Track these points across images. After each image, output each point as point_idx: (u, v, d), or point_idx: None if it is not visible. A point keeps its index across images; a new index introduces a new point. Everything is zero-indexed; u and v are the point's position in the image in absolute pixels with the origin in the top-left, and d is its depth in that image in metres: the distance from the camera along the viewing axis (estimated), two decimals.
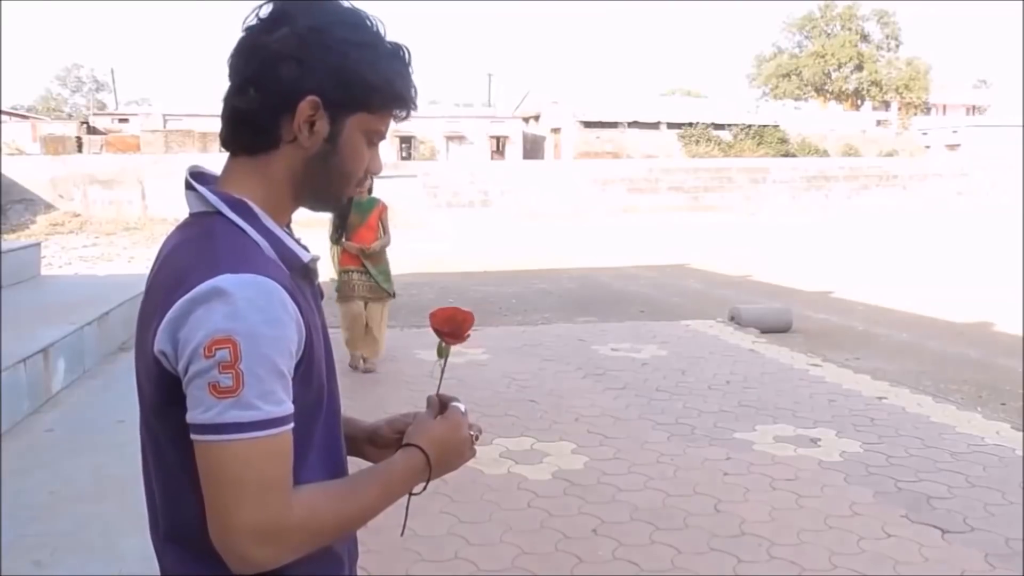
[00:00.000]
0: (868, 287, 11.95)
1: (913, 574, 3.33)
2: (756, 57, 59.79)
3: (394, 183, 27.97)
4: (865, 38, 55.97)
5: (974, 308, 10.20)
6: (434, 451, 1.13)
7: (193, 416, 0.96)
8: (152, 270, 1.10)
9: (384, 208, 6.57)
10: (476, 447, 1.21)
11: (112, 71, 69.01)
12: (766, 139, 38.87)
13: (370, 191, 6.38)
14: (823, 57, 55.05)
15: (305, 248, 1.13)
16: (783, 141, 39.30)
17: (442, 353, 1.25)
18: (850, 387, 6.19)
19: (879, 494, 4.12)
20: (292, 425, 0.98)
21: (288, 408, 0.97)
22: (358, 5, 1.11)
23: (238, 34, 1.07)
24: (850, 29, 55.34)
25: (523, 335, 8.09)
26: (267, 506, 0.96)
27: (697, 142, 38.30)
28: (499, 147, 40.17)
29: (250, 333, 0.94)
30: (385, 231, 6.52)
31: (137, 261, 15.53)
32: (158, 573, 1.12)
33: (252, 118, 1.06)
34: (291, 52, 1.03)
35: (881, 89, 54.79)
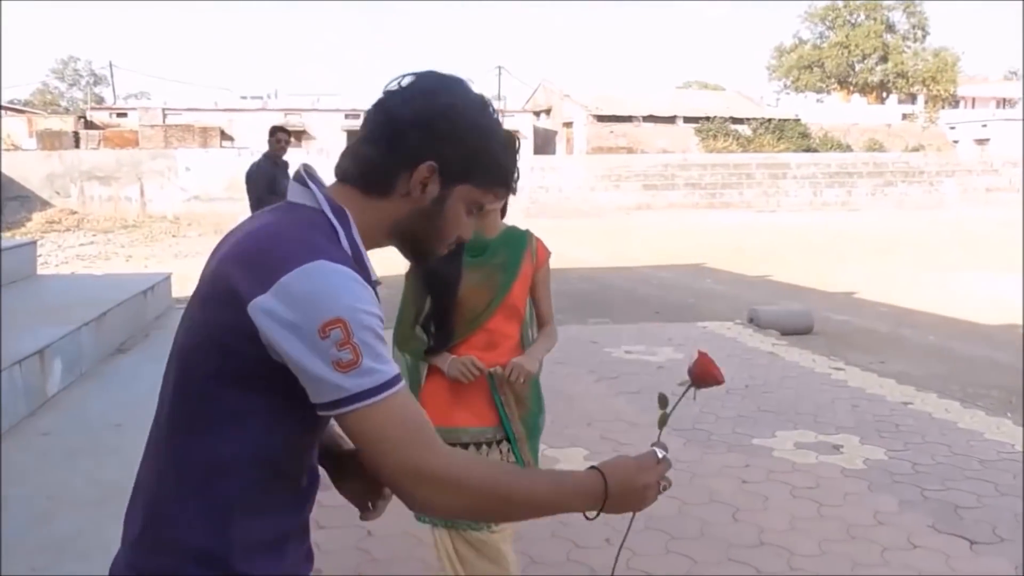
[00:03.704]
0: (893, 287, 11.90)
1: None
2: (776, 48, 59.70)
3: None
4: (890, 28, 55.76)
5: (1004, 310, 10.15)
6: (615, 483, 1.23)
7: (322, 394, 1.10)
8: (232, 239, 1.23)
9: (544, 259, 2.77)
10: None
11: (110, 64, 69.40)
12: (786, 133, 38.73)
13: (505, 208, 2.67)
14: (846, 48, 54.86)
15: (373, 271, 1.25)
16: (804, 136, 39.16)
17: (664, 405, 1.46)
18: (874, 391, 6.17)
19: (904, 503, 4.11)
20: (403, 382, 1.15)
21: (395, 367, 1.14)
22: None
23: (380, 94, 1.29)
24: (875, 19, 55.13)
25: None
26: (427, 446, 1.14)
27: (715, 137, 38.21)
28: None
29: (353, 309, 1.09)
30: (543, 320, 2.80)
31: (135, 260, 15.62)
32: None
33: (376, 168, 1.25)
34: (423, 122, 1.22)
35: (907, 81, 54.56)
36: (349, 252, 1.19)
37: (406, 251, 1.32)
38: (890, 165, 33.64)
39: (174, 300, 8.84)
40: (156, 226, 22.67)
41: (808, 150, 36.93)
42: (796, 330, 8.57)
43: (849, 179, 32.37)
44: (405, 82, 1.27)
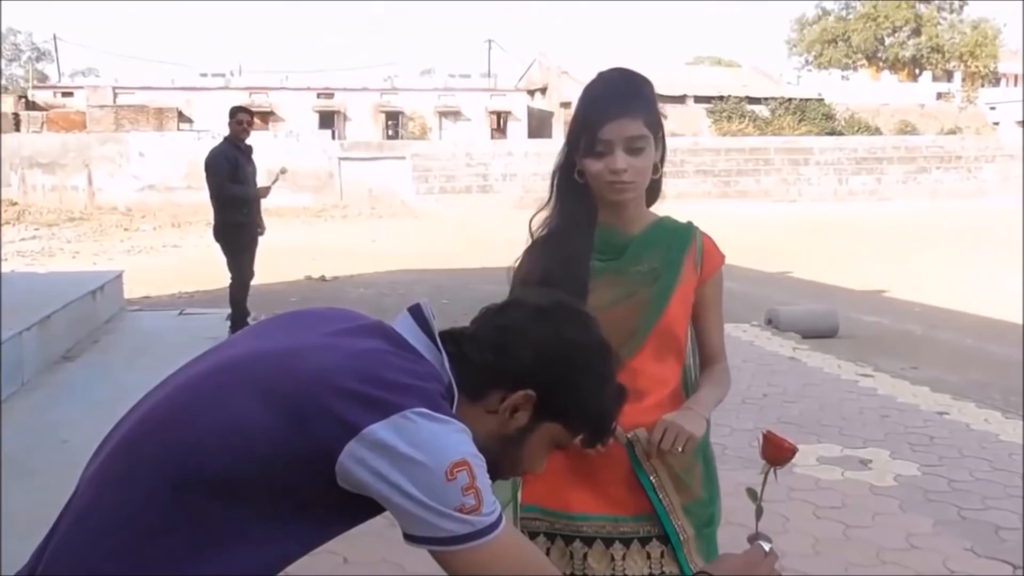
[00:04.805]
0: (927, 285, 11.95)
1: None
2: (797, 20, 59.87)
3: (379, 165, 28.08)
4: None
5: None
6: None
7: (425, 529, 1.18)
8: (322, 343, 1.26)
9: (716, 266, 2.04)
10: None
11: (54, 37, 69.07)
12: (809, 115, 38.85)
13: (655, 191, 2.03)
14: (875, 20, 55.02)
15: None
16: (828, 117, 39.29)
17: (755, 498, 1.61)
18: (906, 400, 6.19)
19: (940, 524, 4.12)
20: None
21: (499, 505, 1.23)
22: None
23: (512, 297, 1.47)
24: None
25: None
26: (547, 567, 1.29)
27: (729, 118, 38.30)
28: (500, 124, 40.18)
29: (474, 455, 1.21)
30: (710, 357, 2.11)
31: (83, 257, 15.58)
32: None
33: (476, 368, 1.30)
34: (541, 350, 1.30)
35: (942, 56, 54.76)
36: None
37: None
38: (923, 150, 33.79)
39: (126, 302, 8.82)
40: (106, 218, 22.61)
41: (832, 133, 37.05)
42: (819, 332, 8.60)
43: (878, 165, 32.50)
44: (538, 299, 1.39)
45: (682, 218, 2.05)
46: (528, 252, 1.98)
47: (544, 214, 1.98)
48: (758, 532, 1.53)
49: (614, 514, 1.92)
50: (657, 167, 1.92)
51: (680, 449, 1.83)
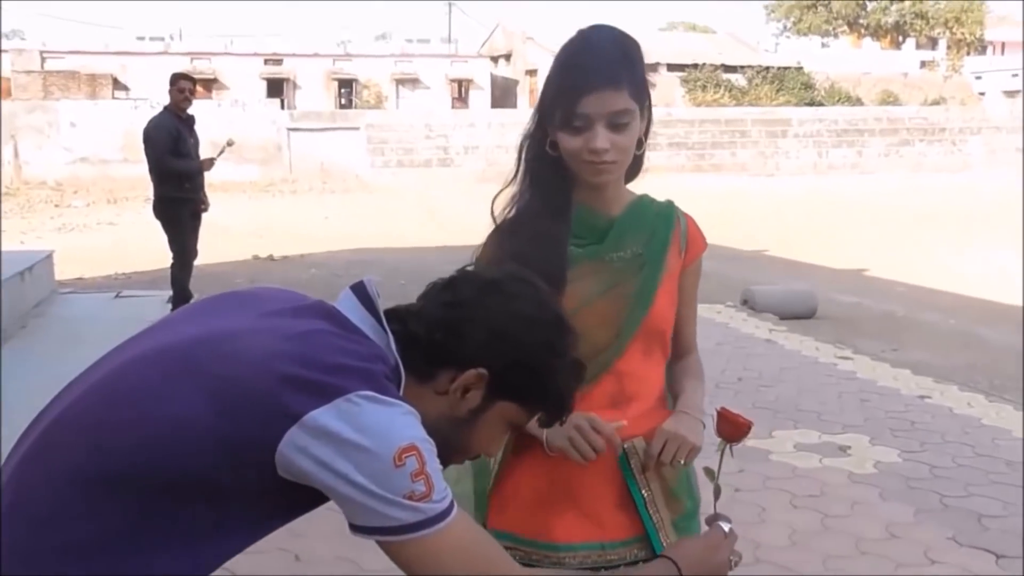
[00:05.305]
0: (909, 264, 12.10)
1: None
2: None
3: (331, 137, 27.82)
4: None
5: None
6: (689, 568, 1.42)
7: (369, 519, 1.18)
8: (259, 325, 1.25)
9: (699, 252, 1.94)
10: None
11: None
12: (787, 84, 39.09)
13: (636, 167, 1.87)
14: None
15: None
16: (808, 87, 39.55)
17: (712, 477, 1.63)
18: (886, 384, 6.28)
19: (921, 512, 4.18)
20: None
21: (450, 492, 1.24)
22: None
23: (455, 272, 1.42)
24: None
25: None
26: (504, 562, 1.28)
27: (704, 88, 38.43)
28: (461, 93, 39.99)
29: (424, 439, 1.22)
30: (683, 347, 1.98)
31: (9, 235, 15.26)
32: None
33: (423, 347, 1.29)
34: (493, 325, 1.29)
35: (927, 23, 55.22)
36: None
37: None
38: (907, 121, 34.16)
39: (57, 284, 8.69)
40: (34, 194, 22.21)
41: (812, 103, 37.32)
42: (797, 313, 8.68)
43: (859, 137, 32.82)
44: (488, 272, 1.40)
45: (653, 194, 1.91)
46: (494, 237, 1.80)
47: (511, 192, 1.81)
48: (716, 512, 1.55)
49: (601, 540, 1.77)
50: (641, 141, 1.76)
51: (682, 462, 1.76)
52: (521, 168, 1.81)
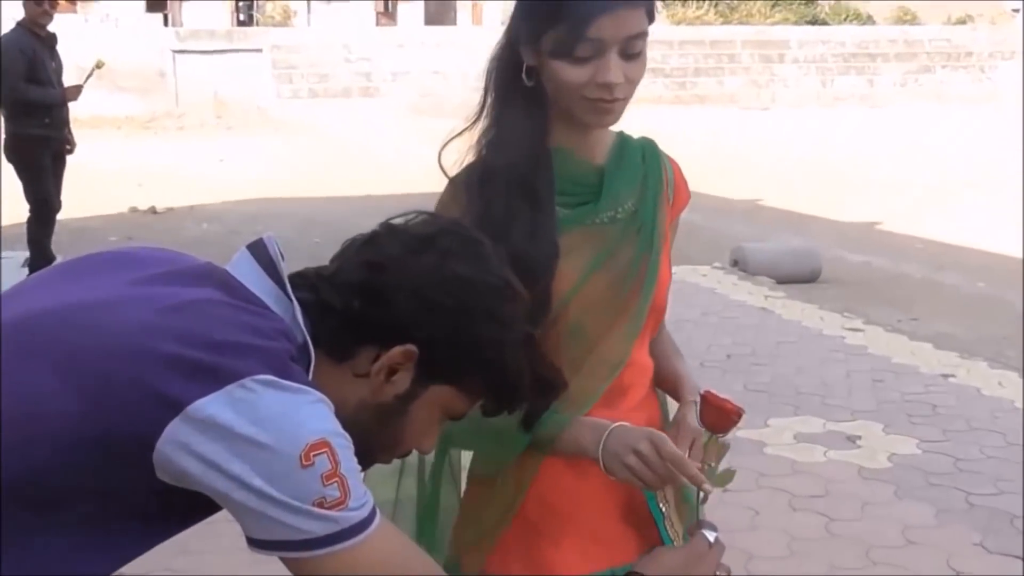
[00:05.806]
0: (928, 215, 12.17)
1: None
2: None
3: (227, 61, 27.39)
4: None
5: None
6: None
7: (271, 532, 1.16)
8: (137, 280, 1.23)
9: (683, 203, 1.93)
10: None
11: None
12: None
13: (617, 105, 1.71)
14: None
15: None
16: (809, 1, 39.68)
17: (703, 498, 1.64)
18: (903, 361, 6.34)
19: (944, 513, 4.24)
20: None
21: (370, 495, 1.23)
22: None
23: (378, 223, 1.36)
24: None
25: None
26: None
27: (684, 3, 38.40)
28: (388, 7, 39.59)
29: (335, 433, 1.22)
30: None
31: None
32: None
33: (339, 319, 1.26)
34: (424, 292, 1.25)
35: None
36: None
37: None
38: (926, 44, 34.40)
39: None
40: None
41: (814, 23, 37.46)
42: (797, 276, 8.73)
43: (871, 63, 33.02)
44: (421, 222, 1.35)
45: (630, 127, 1.81)
46: (451, 193, 1.70)
47: (474, 133, 1.72)
48: (700, 520, 1.57)
49: (611, 567, 1.69)
50: None
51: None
52: (489, 103, 1.72)
